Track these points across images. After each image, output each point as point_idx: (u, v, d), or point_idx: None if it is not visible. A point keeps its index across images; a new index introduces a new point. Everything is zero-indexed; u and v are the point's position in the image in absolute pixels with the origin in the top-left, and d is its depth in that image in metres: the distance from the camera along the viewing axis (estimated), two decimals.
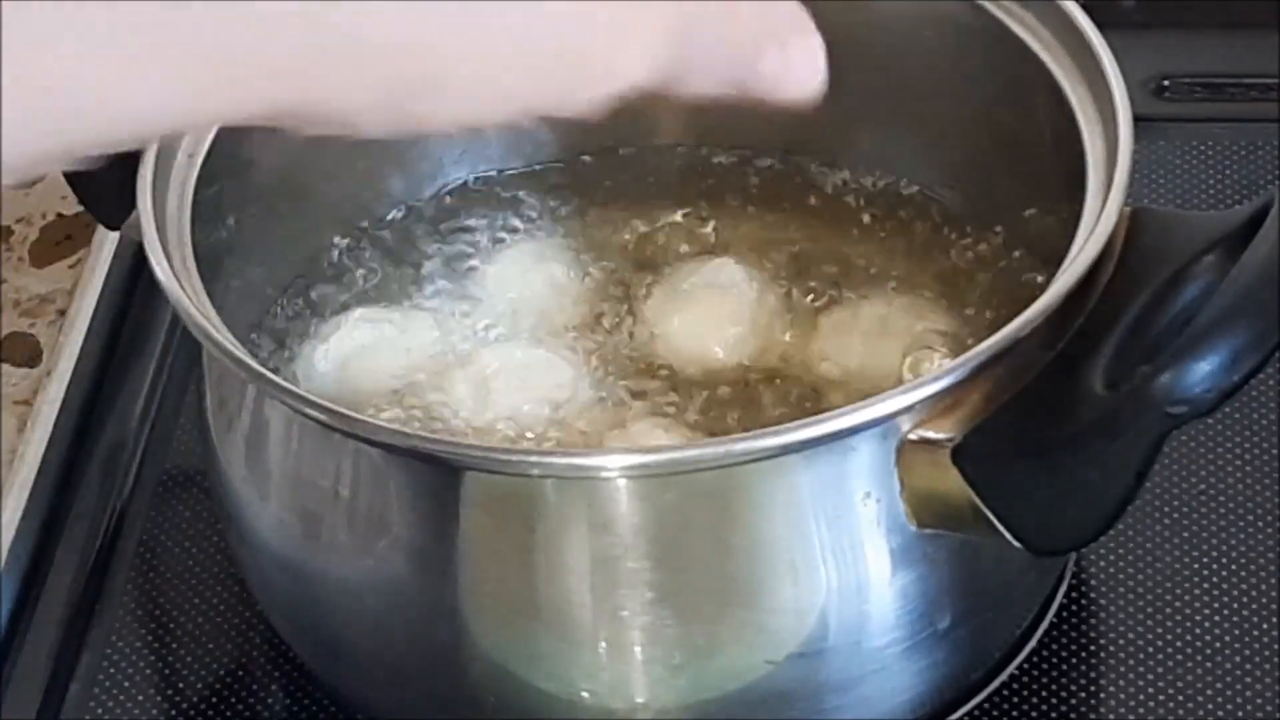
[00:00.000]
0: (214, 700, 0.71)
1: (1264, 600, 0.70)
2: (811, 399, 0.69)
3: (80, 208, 0.75)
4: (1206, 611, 0.70)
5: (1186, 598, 0.70)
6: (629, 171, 0.78)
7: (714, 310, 0.72)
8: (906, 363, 0.69)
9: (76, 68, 0.41)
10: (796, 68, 0.51)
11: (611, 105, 0.47)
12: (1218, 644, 0.69)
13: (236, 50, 0.43)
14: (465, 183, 0.78)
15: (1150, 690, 0.68)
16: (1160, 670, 0.68)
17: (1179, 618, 0.70)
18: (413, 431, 0.64)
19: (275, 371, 0.71)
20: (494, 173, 0.78)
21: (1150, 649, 0.69)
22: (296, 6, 0.43)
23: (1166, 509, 0.73)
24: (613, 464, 0.58)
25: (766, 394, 0.69)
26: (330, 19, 0.43)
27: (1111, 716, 0.68)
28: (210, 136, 0.69)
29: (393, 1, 0.43)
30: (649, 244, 0.76)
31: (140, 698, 0.71)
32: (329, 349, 0.72)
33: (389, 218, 0.77)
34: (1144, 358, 0.57)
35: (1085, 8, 0.67)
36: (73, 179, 0.73)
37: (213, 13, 0.42)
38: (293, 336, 0.73)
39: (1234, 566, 0.71)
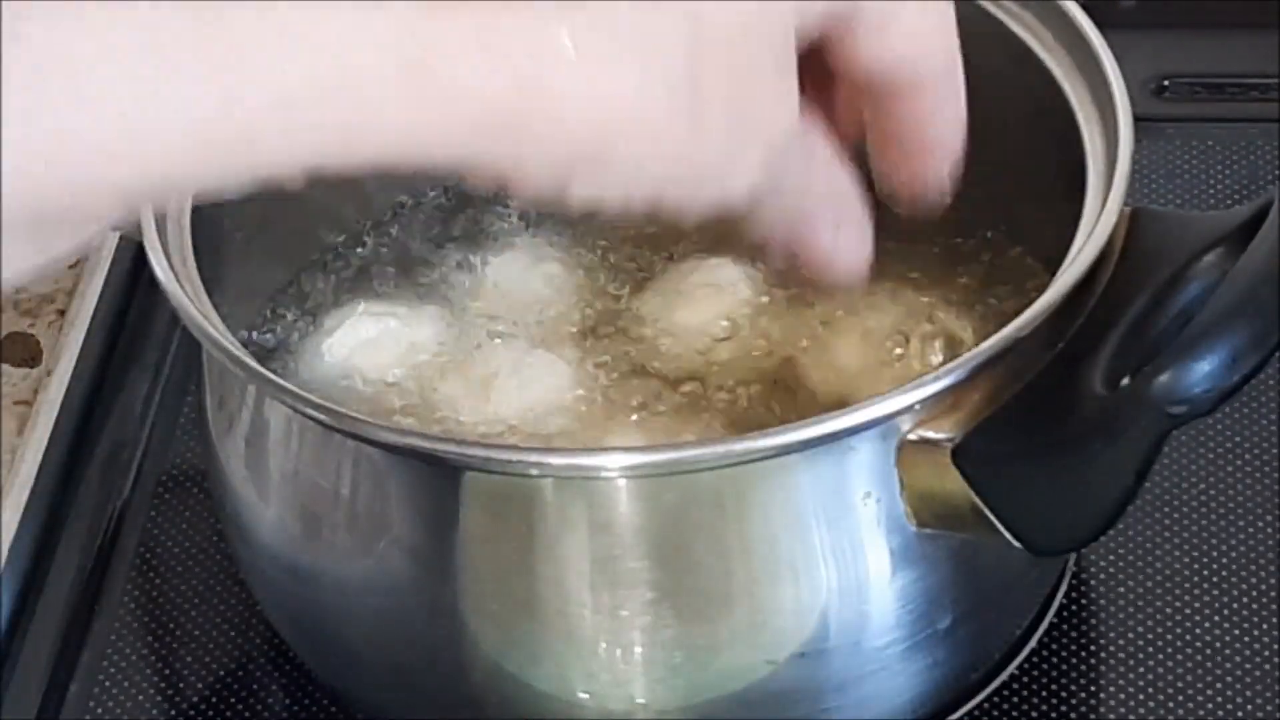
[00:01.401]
0: (214, 700, 0.71)
1: (1264, 600, 0.70)
2: (811, 398, 0.69)
3: None
4: (1206, 611, 0.70)
5: (1186, 598, 0.70)
6: None
7: (713, 310, 0.72)
8: (906, 362, 0.69)
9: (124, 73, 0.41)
10: (846, 252, 0.55)
11: (705, 217, 0.50)
12: (1218, 644, 0.69)
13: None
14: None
15: (1150, 690, 0.68)
16: (1160, 670, 0.68)
17: (1179, 618, 0.70)
18: (413, 431, 0.64)
19: (277, 365, 0.71)
20: None
21: (1150, 649, 0.69)
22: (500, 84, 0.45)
23: (1166, 509, 0.73)
24: (613, 464, 0.58)
25: (766, 394, 0.69)
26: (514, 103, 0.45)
27: (1111, 716, 0.68)
28: None
29: (582, 74, 0.46)
30: (648, 243, 0.76)
31: (140, 698, 0.71)
32: (333, 343, 0.72)
33: (390, 215, 0.77)
34: (1144, 358, 0.57)
35: (1085, 8, 0.67)
36: None
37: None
38: (295, 333, 0.73)
39: (1234, 566, 0.71)
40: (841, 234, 0.55)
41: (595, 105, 0.46)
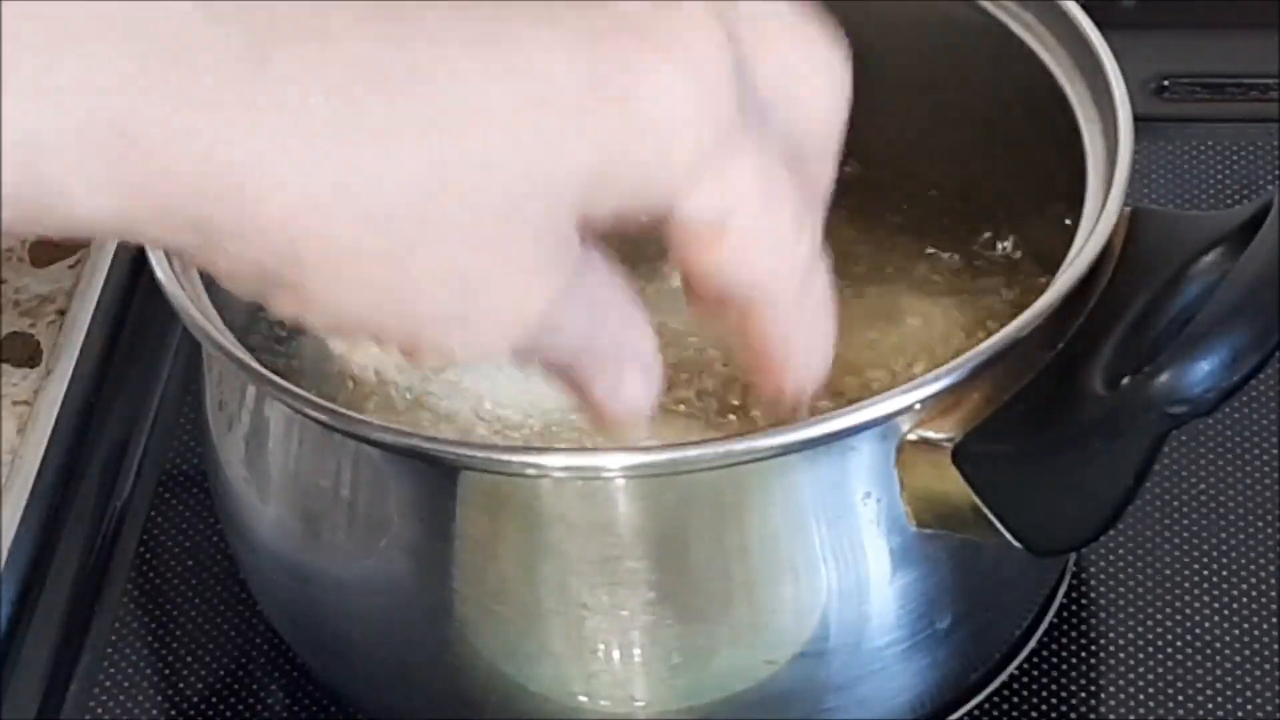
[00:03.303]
0: (214, 700, 0.71)
1: (1264, 600, 0.70)
2: (810, 398, 0.69)
3: None
4: (1206, 611, 0.70)
5: (1186, 598, 0.70)
6: None
7: None
8: (904, 362, 0.69)
9: None
10: (627, 400, 0.49)
11: (476, 359, 0.45)
12: (1218, 644, 0.69)
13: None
14: None
15: (1150, 690, 0.68)
16: (1160, 670, 0.68)
17: (1179, 618, 0.70)
18: (413, 431, 0.64)
19: (278, 364, 0.71)
20: None
21: (1150, 649, 0.69)
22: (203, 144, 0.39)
23: (1166, 509, 0.73)
24: (613, 464, 0.58)
25: None
26: (224, 171, 0.39)
27: (1111, 717, 0.68)
28: None
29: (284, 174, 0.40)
30: (649, 240, 0.76)
31: (140, 698, 0.71)
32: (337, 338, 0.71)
33: None
34: (1144, 358, 0.57)
35: (1085, 8, 0.67)
36: None
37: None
38: (296, 329, 0.73)
39: (1234, 566, 0.71)
40: (624, 383, 0.49)
41: (284, 208, 0.40)
